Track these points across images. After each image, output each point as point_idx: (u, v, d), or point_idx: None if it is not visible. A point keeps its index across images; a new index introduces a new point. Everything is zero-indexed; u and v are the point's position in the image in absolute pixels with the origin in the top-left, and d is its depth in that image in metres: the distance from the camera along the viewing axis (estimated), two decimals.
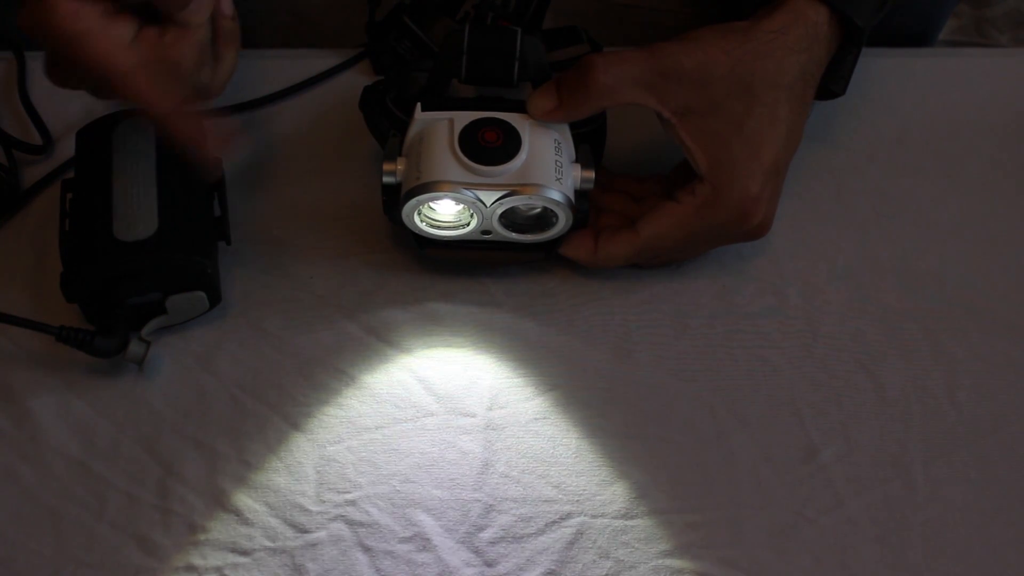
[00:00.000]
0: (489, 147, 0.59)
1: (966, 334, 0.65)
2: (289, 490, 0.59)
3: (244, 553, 0.57)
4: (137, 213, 0.61)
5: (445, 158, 0.59)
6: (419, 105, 0.61)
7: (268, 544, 0.57)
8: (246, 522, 0.58)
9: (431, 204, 0.62)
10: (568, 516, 0.59)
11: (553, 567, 0.57)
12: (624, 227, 0.64)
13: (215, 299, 0.63)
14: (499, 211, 0.60)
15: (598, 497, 0.59)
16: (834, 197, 0.71)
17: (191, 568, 0.56)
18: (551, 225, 0.62)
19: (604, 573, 0.57)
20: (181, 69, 0.59)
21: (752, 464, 0.60)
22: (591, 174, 0.61)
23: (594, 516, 0.58)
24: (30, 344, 0.63)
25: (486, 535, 0.58)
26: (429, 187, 0.59)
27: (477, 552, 0.57)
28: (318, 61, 0.75)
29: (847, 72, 0.66)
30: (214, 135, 0.60)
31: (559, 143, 0.61)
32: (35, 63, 0.74)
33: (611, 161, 0.67)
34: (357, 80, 0.73)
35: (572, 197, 0.61)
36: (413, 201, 0.60)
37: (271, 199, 0.69)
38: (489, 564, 0.57)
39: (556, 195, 0.60)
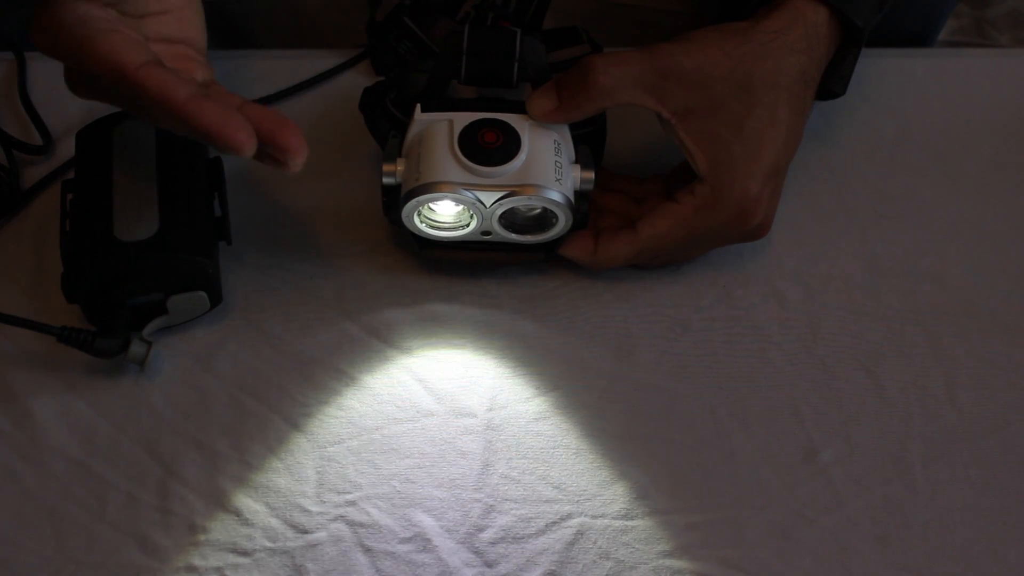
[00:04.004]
0: (489, 148, 0.59)
1: (966, 334, 0.65)
2: (289, 490, 0.59)
3: (244, 554, 0.57)
4: (138, 213, 0.61)
5: (445, 159, 0.59)
6: (419, 106, 0.61)
7: (268, 545, 0.57)
8: (246, 522, 0.58)
9: (431, 205, 0.62)
10: (568, 516, 0.59)
11: (553, 568, 0.57)
12: (624, 228, 0.64)
13: (216, 299, 0.63)
14: (499, 212, 0.60)
15: (598, 497, 0.59)
16: (834, 197, 0.71)
17: (191, 568, 0.56)
18: (551, 226, 0.62)
19: (604, 574, 0.57)
20: (197, 48, 0.59)
21: (752, 464, 0.60)
22: (591, 175, 0.61)
23: (594, 516, 0.59)
24: (31, 344, 0.63)
25: (486, 535, 0.58)
26: (429, 188, 0.59)
27: (477, 552, 0.57)
28: (318, 61, 0.75)
29: (847, 72, 0.66)
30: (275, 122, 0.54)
31: (559, 144, 0.61)
32: (35, 63, 0.74)
33: (611, 161, 0.67)
34: (357, 81, 0.73)
35: (572, 198, 0.61)
36: (413, 202, 0.60)
37: (271, 199, 0.70)
38: (489, 564, 0.57)
39: (556, 196, 0.60)
